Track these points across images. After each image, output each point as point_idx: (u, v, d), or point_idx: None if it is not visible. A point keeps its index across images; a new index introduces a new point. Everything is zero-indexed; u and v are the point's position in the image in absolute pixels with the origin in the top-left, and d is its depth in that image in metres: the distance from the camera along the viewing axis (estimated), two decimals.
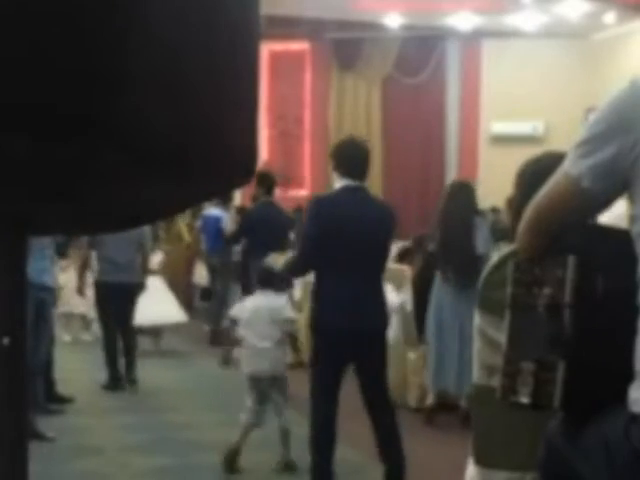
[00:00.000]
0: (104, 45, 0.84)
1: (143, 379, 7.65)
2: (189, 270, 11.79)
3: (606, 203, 1.74)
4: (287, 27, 13.32)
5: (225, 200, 9.75)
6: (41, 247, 5.51)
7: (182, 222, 11.62)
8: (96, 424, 6.23)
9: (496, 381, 1.90)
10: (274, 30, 12.12)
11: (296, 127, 14.53)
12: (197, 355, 9.03)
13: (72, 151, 0.86)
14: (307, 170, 14.27)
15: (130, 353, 7.39)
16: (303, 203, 9.27)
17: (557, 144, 7.45)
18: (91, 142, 0.86)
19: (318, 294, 4.40)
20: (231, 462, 5.02)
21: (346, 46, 14.46)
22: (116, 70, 0.85)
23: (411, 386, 6.48)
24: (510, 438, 2.38)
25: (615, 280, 1.73)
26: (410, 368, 6.52)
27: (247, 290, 7.06)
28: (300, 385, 4.94)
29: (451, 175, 14.50)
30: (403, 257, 7.48)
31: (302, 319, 6.47)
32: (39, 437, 5.38)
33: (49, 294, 5.91)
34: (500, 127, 14.68)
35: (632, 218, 1.68)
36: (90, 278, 7.74)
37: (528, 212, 1.81)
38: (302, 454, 4.63)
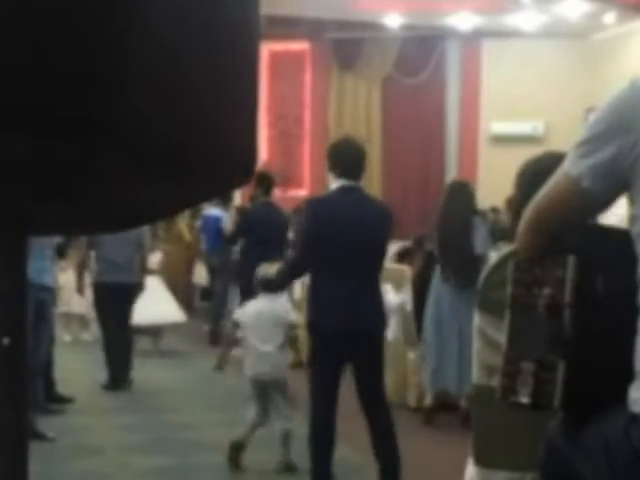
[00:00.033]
0: (104, 45, 0.84)
1: (143, 379, 7.65)
2: (189, 270, 11.79)
3: (606, 203, 1.74)
4: (287, 27, 13.31)
5: (225, 200, 9.76)
6: (41, 247, 5.51)
7: (182, 222, 11.62)
8: (96, 424, 6.24)
9: (496, 381, 1.90)
10: (274, 30, 12.12)
11: (296, 127, 14.53)
12: (197, 355, 9.03)
13: (72, 151, 0.86)
14: (307, 170, 14.26)
15: (127, 353, 7.39)
16: (302, 204, 9.26)
17: (557, 144, 7.46)
18: (91, 142, 0.86)
19: (314, 295, 4.40)
20: (236, 456, 5.06)
21: (346, 46, 14.46)
22: (116, 70, 0.85)
23: (410, 386, 6.48)
24: (510, 438, 2.38)
25: (615, 280, 1.73)
26: (410, 368, 6.52)
27: (246, 291, 7.06)
28: (300, 385, 4.94)
29: (451, 175, 14.49)
30: (403, 257, 7.47)
31: (301, 319, 6.47)
32: (39, 437, 5.38)
33: (49, 294, 5.91)
34: (500, 127, 14.68)
35: (632, 218, 1.68)
36: (88, 278, 7.74)
37: (528, 212, 1.81)
38: (302, 454, 4.63)
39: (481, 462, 2.46)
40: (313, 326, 4.41)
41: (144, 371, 8.00)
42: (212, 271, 10.59)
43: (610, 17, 12.87)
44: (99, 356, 7.47)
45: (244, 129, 1.06)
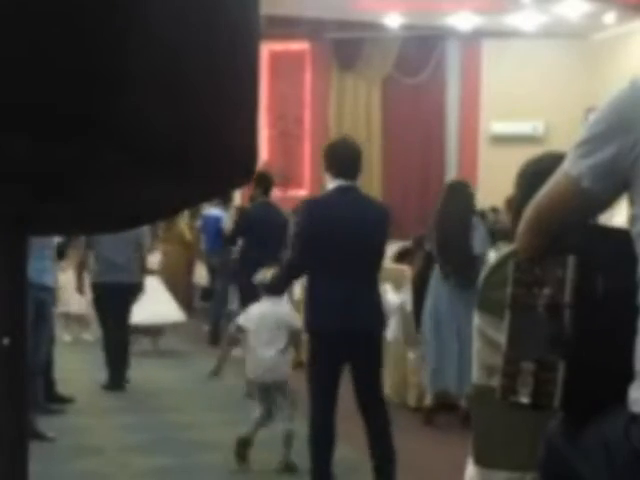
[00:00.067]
0: (104, 45, 0.84)
1: (143, 379, 7.65)
2: (189, 270, 11.79)
3: (606, 203, 1.74)
4: (287, 27, 13.31)
5: (225, 200, 9.76)
6: (41, 247, 5.51)
7: (183, 222, 11.62)
8: (96, 424, 6.24)
9: (496, 381, 1.90)
10: (274, 30, 12.12)
11: (296, 127, 14.52)
12: (197, 355, 9.03)
13: (72, 151, 0.86)
14: (307, 170, 14.26)
15: (124, 353, 7.39)
16: (299, 204, 9.26)
17: (557, 144, 7.47)
18: (91, 142, 0.86)
19: (312, 296, 4.40)
20: (243, 452, 5.10)
21: (346, 46, 14.46)
22: (116, 70, 0.85)
23: (410, 386, 6.48)
24: (510, 438, 2.38)
25: (615, 280, 1.73)
26: (410, 368, 6.52)
27: (245, 291, 7.06)
28: (300, 385, 4.94)
29: (451, 175, 14.49)
30: (403, 257, 7.47)
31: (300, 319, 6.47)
32: (39, 437, 5.38)
33: (49, 294, 5.91)
34: (500, 127, 14.68)
35: (632, 218, 1.68)
36: (87, 278, 7.74)
37: (528, 212, 1.81)
38: (302, 454, 4.63)
39: (481, 462, 2.46)
40: (311, 327, 4.41)
41: (144, 371, 8.00)
42: (212, 271, 10.59)
43: (610, 17, 12.87)
44: (99, 356, 7.47)
45: (244, 129, 1.06)
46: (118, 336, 7.35)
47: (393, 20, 13.58)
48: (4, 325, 1.04)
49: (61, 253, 7.90)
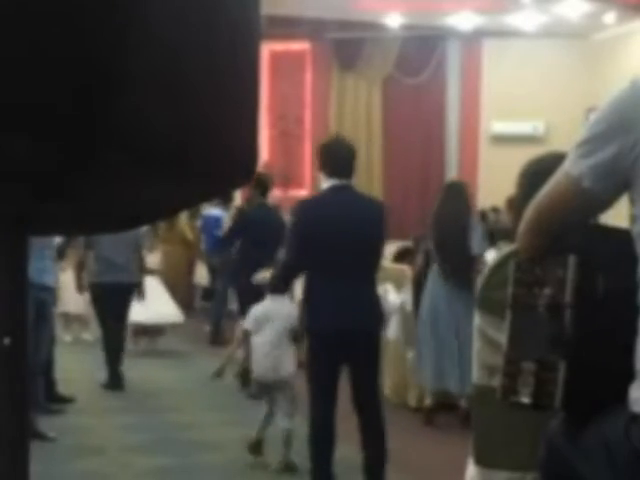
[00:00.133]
0: (104, 45, 0.84)
1: (143, 379, 7.66)
2: (190, 270, 11.79)
3: (607, 203, 1.74)
4: (288, 27, 13.31)
5: (226, 200, 9.76)
6: (41, 247, 5.51)
7: (184, 222, 11.62)
8: (97, 424, 6.24)
9: (496, 381, 1.90)
10: (275, 30, 12.12)
11: (297, 127, 14.52)
12: (197, 355, 9.03)
13: (72, 151, 0.86)
14: (307, 170, 14.25)
15: (118, 352, 7.40)
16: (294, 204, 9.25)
17: (558, 144, 7.47)
18: (91, 142, 0.86)
19: (309, 296, 4.40)
20: (259, 452, 5.16)
21: (347, 46, 14.46)
22: (116, 70, 0.85)
23: (410, 386, 6.48)
24: (511, 438, 2.38)
25: (616, 280, 1.73)
26: (410, 368, 6.51)
27: (243, 293, 7.05)
28: (300, 385, 4.94)
29: (451, 175, 14.49)
30: (402, 257, 7.47)
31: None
32: (40, 437, 5.38)
33: (50, 294, 5.91)
34: (500, 127, 14.68)
35: (632, 218, 1.68)
36: (85, 279, 7.74)
37: (529, 212, 1.81)
38: (303, 454, 4.63)
39: (482, 462, 2.46)
40: (309, 327, 4.41)
41: (144, 371, 8.00)
42: (213, 271, 10.59)
43: (610, 17, 12.87)
44: (99, 356, 7.47)
45: (244, 129, 1.06)
46: (116, 335, 7.36)
47: (394, 20, 13.58)
48: (5, 325, 1.04)
49: (61, 253, 7.89)
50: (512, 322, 1.84)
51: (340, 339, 4.27)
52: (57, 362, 6.63)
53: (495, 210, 12.31)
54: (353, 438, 4.50)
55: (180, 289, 10.83)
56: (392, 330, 6.54)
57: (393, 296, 6.58)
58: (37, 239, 4.80)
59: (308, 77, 14.75)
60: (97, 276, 7.28)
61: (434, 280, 6.03)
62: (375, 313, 4.45)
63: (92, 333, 9.27)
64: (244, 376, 6.62)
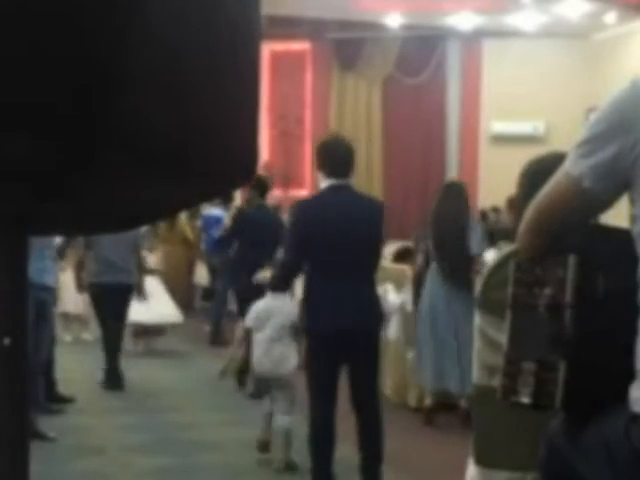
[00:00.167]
0: (104, 45, 0.84)
1: (143, 379, 7.66)
2: (190, 270, 11.79)
3: (607, 203, 1.74)
4: (288, 27, 13.32)
5: (226, 200, 9.76)
6: (42, 247, 5.51)
7: (184, 222, 11.62)
8: (97, 424, 6.24)
9: (497, 381, 1.90)
10: (275, 30, 12.12)
11: (297, 127, 14.53)
12: (197, 355, 9.04)
13: (72, 151, 0.86)
14: (308, 170, 14.25)
15: (118, 352, 7.40)
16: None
17: (558, 144, 7.47)
18: (91, 142, 0.86)
19: (308, 296, 4.40)
20: (266, 449, 5.18)
21: (347, 46, 14.46)
22: (116, 70, 0.85)
23: (410, 386, 6.48)
24: (511, 438, 2.38)
25: (616, 280, 1.73)
26: (410, 368, 6.51)
27: (241, 295, 7.05)
28: (301, 384, 4.94)
29: (452, 175, 14.49)
30: (402, 257, 7.47)
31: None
32: (40, 437, 5.38)
33: (50, 294, 5.91)
34: (501, 127, 14.68)
35: (632, 218, 1.68)
36: (84, 279, 7.75)
37: (529, 212, 1.81)
38: (303, 454, 4.64)
39: (482, 462, 2.46)
40: (308, 328, 4.41)
41: (145, 371, 8.01)
42: (213, 271, 10.59)
43: (611, 17, 12.87)
44: (99, 356, 7.48)
45: (245, 129, 1.05)
46: (115, 335, 7.37)
47: (394, 20, 13.58)
48: (5, 325, 1.04)
49: (61, 253, 7.90)
50: (512, 322, 1.84)
51: (340, 339, 4.27)
52: (57, 362, 6.63)
53: (495, 210, 12.31)
54: (353, 438, 4.50)
55: (180, 289, 10.83)
56: (392, 330, 6.54)
57: (393, 296, 6.58)
58: (37, 239, 4.80)
59: (308, 77, 14.75)
60: (96, 276, 7.28)
61: (433, 280, 6.03)
62: (375, 313, 4.45)
63: (92, 333, 9.27)
64: (240, 376, 6.65)
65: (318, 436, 4.36)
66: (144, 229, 8.01)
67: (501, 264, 2.35)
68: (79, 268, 7.75)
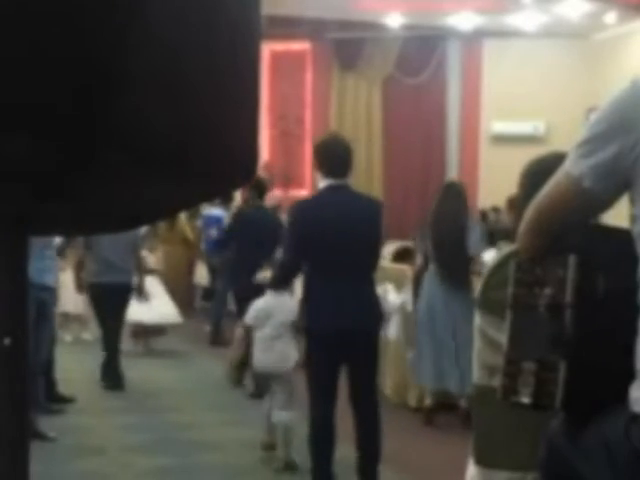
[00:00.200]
0: (104, 45, 0.84)
1: (143, 379, 7.66)
2: (190, 270, 11.80)
3: (607, 203, 1.74)
4: (288, 27, 13.32)
5: (226, 200, 9.76)
6: (42, 247, 5.51)
7: (184, 222, 11.62)
8: (97, 424, 6.24)
9: (497, 381, 1.90)
10: (275, 30, 12.12)
11: (297, 127, 14.53)
12: (197, 355, 9.04)
13: (72, 151, 0.86)
14: (308, 170, 14.25)
15: (114, 352, 7.41)
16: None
17: (558, 144, 7.47)
18: (91, 142, 0.86)
19: (307, 296, 4.40)
20: (271, 450, 5.18)
21: (347, 46, 14.47)
22: (116, 70, 0.85)
23: (410, 386, 6.48)
24: (511, 438, 2.38)
25: (616, 280, 1.73)
26: (410, 368, 6.51)
27: (240, 295, 7.04)
28: (300, 384, 4.94)
29: (452, 175, 14.50)
30: (401, 257, 7.47)
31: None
32: (40, 437, 5.38)
33: (50, 294, 5.91)
34: (501, 127, 14.69)
35: (632, 218, 1.68)
36: (84, 279, 7.75)
37: (529, 212, 1.81)
38: (303, 453, 4.64)
39: (482, 462, 2.46)
40: (308, 328, 4.41)
41: (145, 371, 8.01)
42: (213, 271, 10.59)
43: (611, 17, 12.88)
44: (99, 356, 7.48)
45: (245, 129, 1.05)
46: (114, 335, 7.37)
47: (394, 20, 13.59)
48: (5, 325, 1.04)
49: (61, 253, 7.90)
50: (512, 322, 1.84)
51: (339, 339, 4.27)
52: (57, 362, 6.63)
53: (495, 210, 12.32)
54: (353, 438, 4.50)
55: (180, 289, 10.83)
56: (392, 330, 6.54)
57: (393, 296, 6.58)
58: (37, 239, 4.80)
59: (308, 77, 14.76)
60: (96, 276, 7.28)
61: (431, 280, 6.03)
62: (374, 313, 4.45)
63: (92, 333, 9.27)
64: (237, 372, 6.65)
65: (318, 436, 4.36)
66: (144, 229, 8.00)
67: (501, 264, 2.35)
68: (79, 268, 7.76)
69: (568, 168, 1.72)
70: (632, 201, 1.68)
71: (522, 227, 1.83)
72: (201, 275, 11.50)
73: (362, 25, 13.95)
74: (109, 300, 7.24)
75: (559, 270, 1.76)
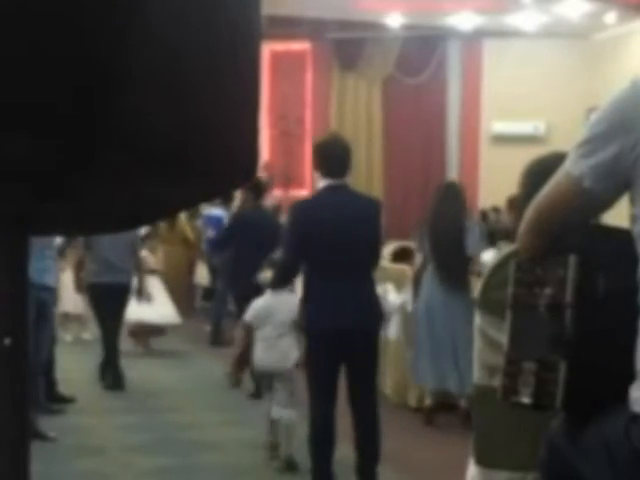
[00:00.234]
0: (104, 45, 0.84)
1: (143, 379, 7.66)
2: (190, 270, 11.80)
3: (608, 203, 1.74)
4: (288, 27, 13.32)
5: (226, 200, 9.76)
6: (42, 247, 5.51)
7: (184, 222, 11.62)
8: (97, 424, 6.24)
9: (497, 381, 1.90)
10: (275, 30, 12.13)
11: (297, 127, 14.53)
12: (197, 355, 9.04)
13: (72, 151, 0.86)
14: (308, 170, 14.25)
15: (113, 352, 7.41)
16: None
17: (558, 144, 7.47)
18: (91, 142, 0.86)
19: (307, 296, 4.40)
20: (275, 452, 5.17)
21: (347, 46, 14.47)
22: (116, 70, 0.85)
23: (411, 386, 6.48)
24: (511, 438, 2.38)
25: (616, 280, 1.73)
26: (409, 368, 6.51)
27: (239, 296, 7.04)
28: (301, 384, 4.94)
29: (452, 175, 14.51)
30: (400, 256, 7.47)
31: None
32: (41, 437, 5.38)
33: (50, 294, 5.91)
34: (501, 127, 14.69)
35: (633, 218, 1.68)
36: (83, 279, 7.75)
37: (529, 212, 1.81)
38: (304, 453, 4.64)
39: (482, 462, 2.46)
40: (308, 327, 4.41)
41: (145, 371, 8.01)
42: (213, 271, 10.59)
43: (611, 17, 12.88)
44: (99, 356, 7.48)
45: (245, 129, 1.05)
46: (113, 335, 7.38)
47: (394, 20, 13.59)
48: (5, 325, 1.04)
49: (62, 253, 7.90)
50: (513, 322, 1.84)
51: (339, 339, 4.27)
52: (57, 362, 6.63)
53: (496, 210, 12.32)
54: (352, 438, 4.50)
55: (180, 289, 10.83)
56: (392, 330, 6.54)
57: (393, 296, 6.58)
58: (38, 239, 4.80)
59: (309, 77, 14.76)
60: (95, 276, 7.28)
61: (429, 280, 6.03)
62: (374, 312, 4.45)
63: (92, 333, 9.27)
64: (236, 370, 6.64)
65: (318, 436, 4.36)
66: (144, 229, 7.99)
67: (501, 264, 2.35)
68: (79, 268, 7.76)
69: (568, 168, 1.72)
70: (632, 201, 1.68)
71: (522, 227, 1.83)
72: (201, 275, 11.50)
73: (362, 25, 13.95)
74: (108, 300, 7.24)
75: (559, 270, 1.76)
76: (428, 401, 6.13)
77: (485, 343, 2.40)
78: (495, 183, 12.74)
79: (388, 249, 7.33)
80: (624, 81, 1.69)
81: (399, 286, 6.70)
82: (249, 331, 5.19)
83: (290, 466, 5.04)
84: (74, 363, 8.12)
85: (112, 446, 5.63)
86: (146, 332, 8.96)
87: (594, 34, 13.95)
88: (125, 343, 8.05)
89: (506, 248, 2.53)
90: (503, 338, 1.87)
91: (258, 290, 5.38)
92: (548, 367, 1.75)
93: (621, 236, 1.76)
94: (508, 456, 2.40)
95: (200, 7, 0.94)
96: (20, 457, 1.06)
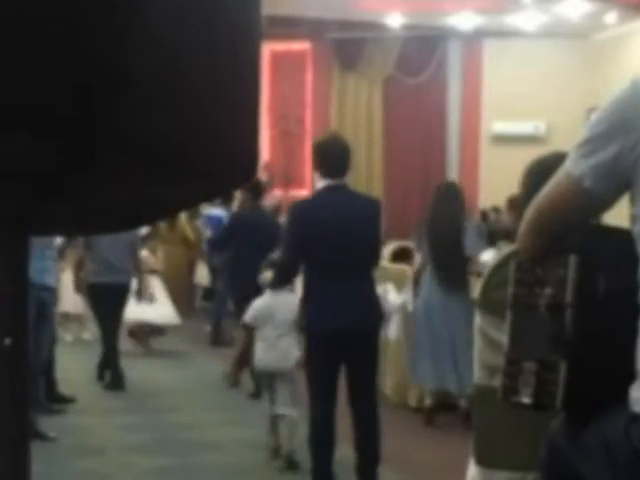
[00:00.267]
0: (104, 45, 0.84)
1: (144, 379, 7.66)
2: (191, 270, 11.80)
3: (608, 203, 1.74)
4: (288, 27, 13.32)
5: (226, 200, 9.76)
6: (42, 247, 5.51)
7: (184, 222, 11.62)
8: (98, 424, 6.24)
9: (497, 381, 1.90)
10: (275, 30, 12.13)
11: (297, 127, 14.53)
12: (198, 355, 9.04)
13: (72, 151, 0.86)
14: (308, 170, 14.24)
15: (112, 352, 7.41)
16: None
17: (559, 144, 7.48)
18: (91, 142, 0.86)
19: (307, 296, 4.40)
20: (278, 453, 5.16)
21: (347, 46, 14.47)
22: (116, 70, 0.85)
23: (411, 386, 6.48)
24: (511, 438, 2.38)
25: (616, 280, 1.73)
26: (408, 368, 6.51)
27: (238, 295, 7.04)
28: (301, 384, 4.94)
29: (452, 175, 14.51)
30: (400, 256, 7.47)
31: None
32: (41, 437, 5.38)
33: (50, 294, 5.91)
34: (501, 127, 14.68)
35: (633, 218, 1.68)
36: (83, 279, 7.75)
37: (529, 212, 1.81)
38: (304, 453, 4.64)
39: (482, 462, 2.46)
40: (308, 327, 4.41)
41: (145, 371, 8.01)
42: (213, 271, 10.59)
43: (611, 17, 12.88)
44: (99, 356, 7.48)
45: (245, 129, 1.05)
46: (112, 335, 7.38)
47: (394, 20, 13.59)
48: (6, 325, 1.04)
49: (62, 253, 7.90)
50: (513, 322, 1.84)
51: (339, 339, 4.27)
52: (57, 362, 6.63)
53: (496, 210, 12.32)
54: (352, 438, 4.50)
55: (181, 289, 10.84)
56: (392, 330, 6.54)
57: (393, 296, 6.58)
58: (38, 239, 4.80)
59: (309, 77, 14.76)
60: (95, 276, 7.29)
61: (428, 281, 6.03)
62: (374, 312, 4.45)
63: (92, 333, 9.27)
64: (232, 375, 6.65)
65: (318, 436, 4.36)
66: (144, 229, 7.99)
67: (501, 264, 2.35)
68: (78, 268, 7.76)
69: (568, 168, 1.72)
70: (632, 201, 1.68)
71: (522, 227, 1.83)
72: (202, 275, 11.50)
73: (362, 25, 13.95)
74: (108, 300, 7.24)
75: (559, 270, 1.76)
76: (428, 401, 6.13)
77: (485, 343, 2.40)
78: (495, 183, 12.74)
79: (388, 249, 7.33)
80: (624, 81, 1.69)
81: (399, 286, 6.70)
82: (249, 331, 5.20)
83: (291, 465, 5.04)
84: (74, 363, 8.12)
85: (112, 446, 5.63)
86: (146, 332, 8.97)
87: (594, 34, 13.95)
88: (125, 343, 8.05)
89: (506, 248, 2.54)
90: (503, 338, 1.87)
91: (258, 290, 5.38)
92: (548, 367, 1.75)
93: (621, 236, 1.76)
94: (508, 456, 2.40)
95: (200, 7, 0.94)
96: (20, 457, 1.06)
